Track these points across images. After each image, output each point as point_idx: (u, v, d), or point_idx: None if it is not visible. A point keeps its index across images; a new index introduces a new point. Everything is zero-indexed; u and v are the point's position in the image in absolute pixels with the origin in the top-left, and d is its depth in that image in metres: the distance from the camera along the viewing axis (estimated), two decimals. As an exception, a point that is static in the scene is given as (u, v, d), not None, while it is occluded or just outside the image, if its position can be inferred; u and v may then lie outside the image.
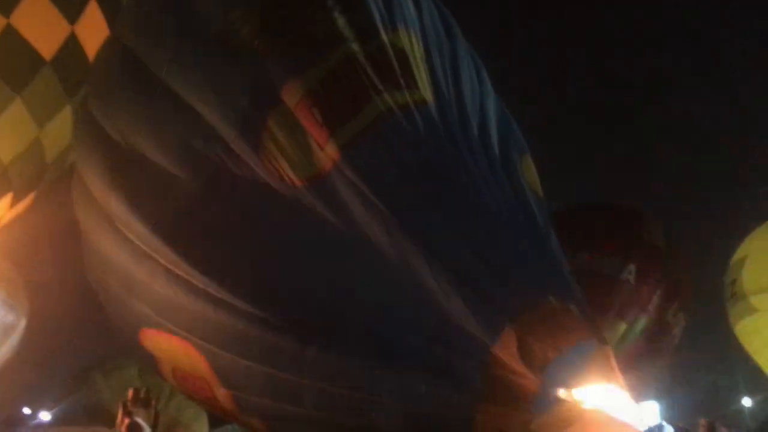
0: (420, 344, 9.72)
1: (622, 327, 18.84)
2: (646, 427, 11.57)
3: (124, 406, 8.13)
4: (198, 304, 9.35)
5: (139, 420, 7.59)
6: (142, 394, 7.95)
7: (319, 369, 9.90)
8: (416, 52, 9.69)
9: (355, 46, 8.81)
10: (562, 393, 10.42)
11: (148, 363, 11.23)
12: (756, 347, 25.21)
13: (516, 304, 9.80)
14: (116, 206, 9.17)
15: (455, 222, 9.99)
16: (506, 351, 9.54)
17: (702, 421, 9.72)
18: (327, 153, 8.76)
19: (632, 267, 18.56)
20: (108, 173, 8.90)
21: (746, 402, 40.44)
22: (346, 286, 8.87)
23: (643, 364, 20.62)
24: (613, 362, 11.49)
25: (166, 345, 10.21)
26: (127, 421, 7.05)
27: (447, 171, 9.93)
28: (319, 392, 10.21)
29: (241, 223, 8.78)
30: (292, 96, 8.68)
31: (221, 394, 10.30)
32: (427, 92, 9.64)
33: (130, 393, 7.79)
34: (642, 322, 19.44)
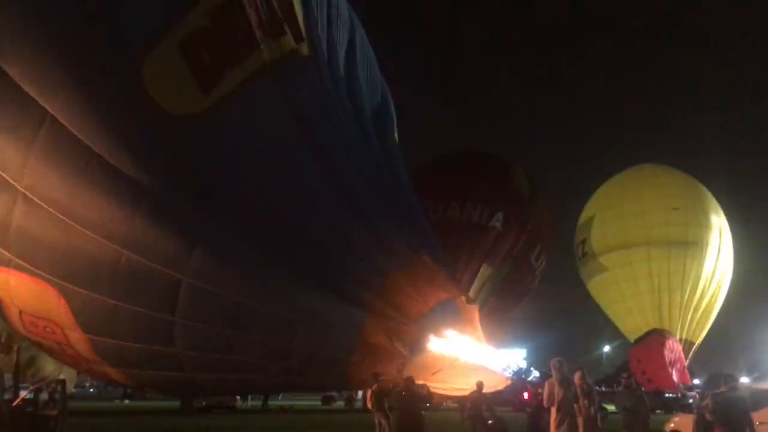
0: (301, 290, 10.01)
1: (488, 272, 20.08)
2: (512, 371, 12.27)
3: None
4: (62, 235, 9.35)
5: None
6: (2, 339, 7.46)
7: (194, 307, 9.67)
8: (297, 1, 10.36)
9: None
10: (432, 342, 11.02)
11: None
12: (607, 302, 28.06)
13: (391, 260, 10.45)
14: None
15: (327, 181, 10.41)
16: (384, 303, 10.14)
17: (552, 362, 10.52)
18: (209, 98, 9.40)
19: (500, 215, 20.40)
20: None
21: (605, 348, 44.26)
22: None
23: (508, 306, 22.07)
24: (477, 315, 12.35)
25: (15, 284, 10.03)
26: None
27: (319, 130, 10.39)
28: (192, 330, 9.97)
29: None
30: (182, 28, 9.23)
31: (75, 338, 10.33)
32: (304, 45, 10.38)
33: (-9, 338, 7.17)
34: (507, 267, 20.83)
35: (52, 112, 8.76)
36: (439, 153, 24.66)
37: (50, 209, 9.27)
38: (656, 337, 25.40)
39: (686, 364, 26.22)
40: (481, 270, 19.71)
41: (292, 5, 10.23)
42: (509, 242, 20.51)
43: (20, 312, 10.48)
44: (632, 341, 27.41)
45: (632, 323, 27.92)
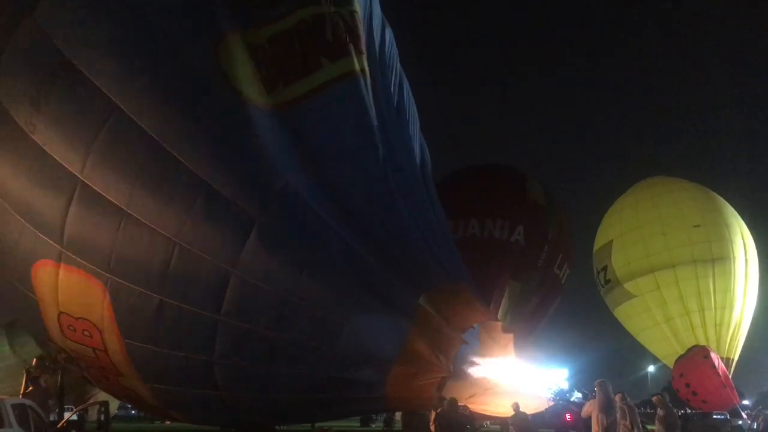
0: (336, 318, 10.07)
1: (518, 287, 19.84)
2: (553, 393, 12.05)
3: (28, 373, 7.97)
4: (119, 226, 9.60)
5: (43, 383, 7.38)
6: (47, 361, 7.75)
7: (240, 301, 9.82)
8: (358, 23, 11.07)
9: (309, 11, 10.39)
10: (469, 365, 10.88)
11: (30, 315, 10.90)
12: (638, 329, 27.10)
13: (425, 285, 10.45)
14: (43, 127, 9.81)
15: (374, 202, 10.68)
16: (419, 333, 10.12)
17: (597, 382, 10.38)
18: (272, 97, 9.99)
19: (521, 228, 20.27)
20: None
21: (649, 368, 42.92)
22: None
23: (540, 320, 21.66)
24: (512, 340, 12.28)
25: (63, 279, 10.14)
26: (31, 388, 6.76)
27: (372, 150, 10.90)
28: (234, 329, 10.04)
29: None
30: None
31: (112, 343, 10.27)
32: (364, 63, 11.01)
33: (35, 360, 7.46)
34: (535, 279, 20.55)
35: (118, 103, 9.42)
36: (450, 170, 24.35)
37: (110, 198, 9.62)
38: (699, 350, 24.45)
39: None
40: (508, 287, 19.50)
41: (358, 30, 11.00)
42: (533, 255, 20.37)
43: (59, 315, 10.54)
44: (671, 365, 26.43)
45: (668, 348, 26.67)
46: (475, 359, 10.67)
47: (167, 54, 9.60)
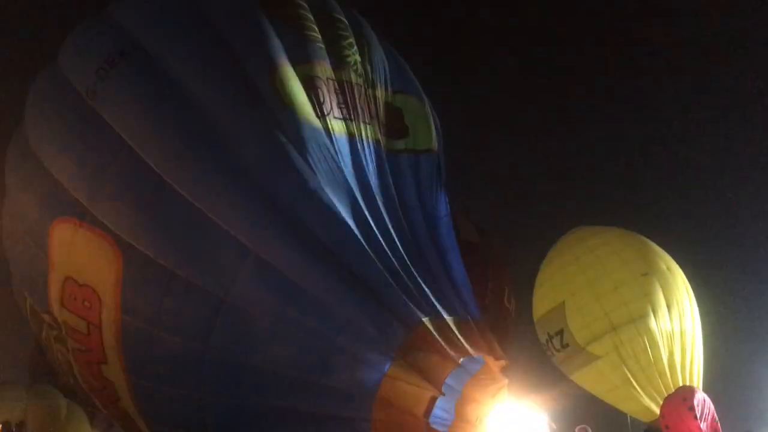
0: (321, 348, 10.15)
1: None
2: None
3: (-1, 432, 5.65)
4: (152, 200, 10.09)
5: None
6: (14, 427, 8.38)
7: (252, 282, 10.20)
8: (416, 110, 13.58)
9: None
10: (459, 403, 10.42)
11: (36, 282, 11.21)
12: (604, 390, 25.24)
13: (417, 314, 10.47)
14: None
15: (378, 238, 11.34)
16: (406, 360, 10.04)
17: (579, 428, 9.69)
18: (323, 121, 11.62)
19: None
20: None
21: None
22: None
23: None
24: (503, 374, 11.53)
25: (80, 240, 10.24)
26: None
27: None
28: (238, 313, 10.15)
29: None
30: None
31: (108, 320, 10.09)
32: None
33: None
34: (487, 320, 18.61)
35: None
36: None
37: (149, 162, 10.15)
38: (681, 391, 23.00)
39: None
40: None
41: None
42: (479, 295, 18.96)
43: (65, 280, 10.59)
44: (646, 419, 24.83)
45: (637, 405, 25.15)
46: (469, 393, 10.32)
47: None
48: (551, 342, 27.87)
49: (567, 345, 27.40)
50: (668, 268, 26.15)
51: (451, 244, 12.97)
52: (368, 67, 12.69)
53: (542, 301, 26.99)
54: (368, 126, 12.11)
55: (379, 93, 12.78)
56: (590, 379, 27.74)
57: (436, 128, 13.99)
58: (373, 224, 11.16)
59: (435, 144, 13.53)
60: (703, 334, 26.36)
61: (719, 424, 23.38)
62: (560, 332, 27.53)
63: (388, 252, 10.93)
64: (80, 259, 10.40)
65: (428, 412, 9.98)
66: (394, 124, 12.91)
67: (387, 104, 12.88)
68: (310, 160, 10.80)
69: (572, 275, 25.96)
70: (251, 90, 10.94)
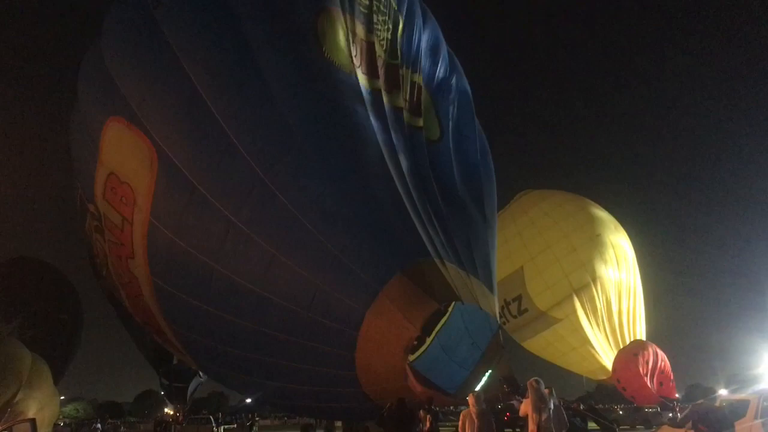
0: (309, 284, 10.71)
1: None
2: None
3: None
4: (189, 113, 10.92)
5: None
6: None
7: (260, 209, 11.08)
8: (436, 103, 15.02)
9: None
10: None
11: (87, 173, 12.60)
12: (559, 354, 25.77)
13: (404, 257, 11.01)
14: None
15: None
16: (391, 298, 10.40)
17: (530, 381, 10.26)
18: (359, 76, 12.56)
19: None
20: None
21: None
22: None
23: None
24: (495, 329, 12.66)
25: (127, 138, 11.15)
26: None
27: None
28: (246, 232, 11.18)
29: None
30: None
31: (139, 220, 11.10)
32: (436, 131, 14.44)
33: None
34: None
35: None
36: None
37: (192, 78, 10.95)
38: (632, 346, 24.10)
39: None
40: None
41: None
42: None
43: (109, 175, 11.49)
44: (604, 376, 25.76)
45: (597, 362, 25.77)
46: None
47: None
48: (507, 308, 28.05)
49: (525, 310, 27.75)
50: (615, 227, 27.04)
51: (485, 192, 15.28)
52: (396, 47, 13.51)
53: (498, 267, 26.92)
54: (390, 94, 12.97)
55: (404, 72, 13.54)
56: (547, 343, 28.08)
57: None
58: (401, 158, 12.21)
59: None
60: (647, 289, 27.58)
61: (672, 375, 24.79)
62: (518, 298, 27.81)
63: (410, 186, 11.87)
64: (124, 158, 11.22)
65: (407, 348, 10.63)
66: (413, 104, 13.70)
67: (412, 84, 13.69)
68: (339, 99, 11.69)
69: (530, 239, 27.39)
70: (296, 26, 11.67)
